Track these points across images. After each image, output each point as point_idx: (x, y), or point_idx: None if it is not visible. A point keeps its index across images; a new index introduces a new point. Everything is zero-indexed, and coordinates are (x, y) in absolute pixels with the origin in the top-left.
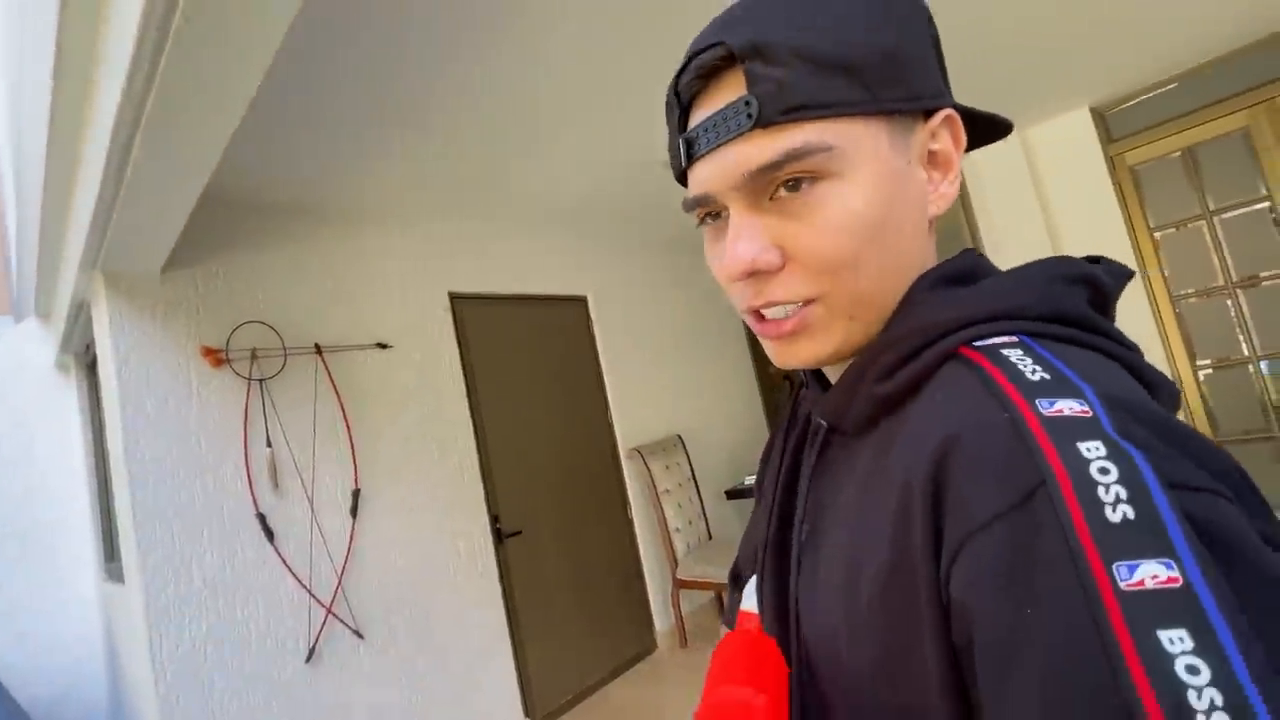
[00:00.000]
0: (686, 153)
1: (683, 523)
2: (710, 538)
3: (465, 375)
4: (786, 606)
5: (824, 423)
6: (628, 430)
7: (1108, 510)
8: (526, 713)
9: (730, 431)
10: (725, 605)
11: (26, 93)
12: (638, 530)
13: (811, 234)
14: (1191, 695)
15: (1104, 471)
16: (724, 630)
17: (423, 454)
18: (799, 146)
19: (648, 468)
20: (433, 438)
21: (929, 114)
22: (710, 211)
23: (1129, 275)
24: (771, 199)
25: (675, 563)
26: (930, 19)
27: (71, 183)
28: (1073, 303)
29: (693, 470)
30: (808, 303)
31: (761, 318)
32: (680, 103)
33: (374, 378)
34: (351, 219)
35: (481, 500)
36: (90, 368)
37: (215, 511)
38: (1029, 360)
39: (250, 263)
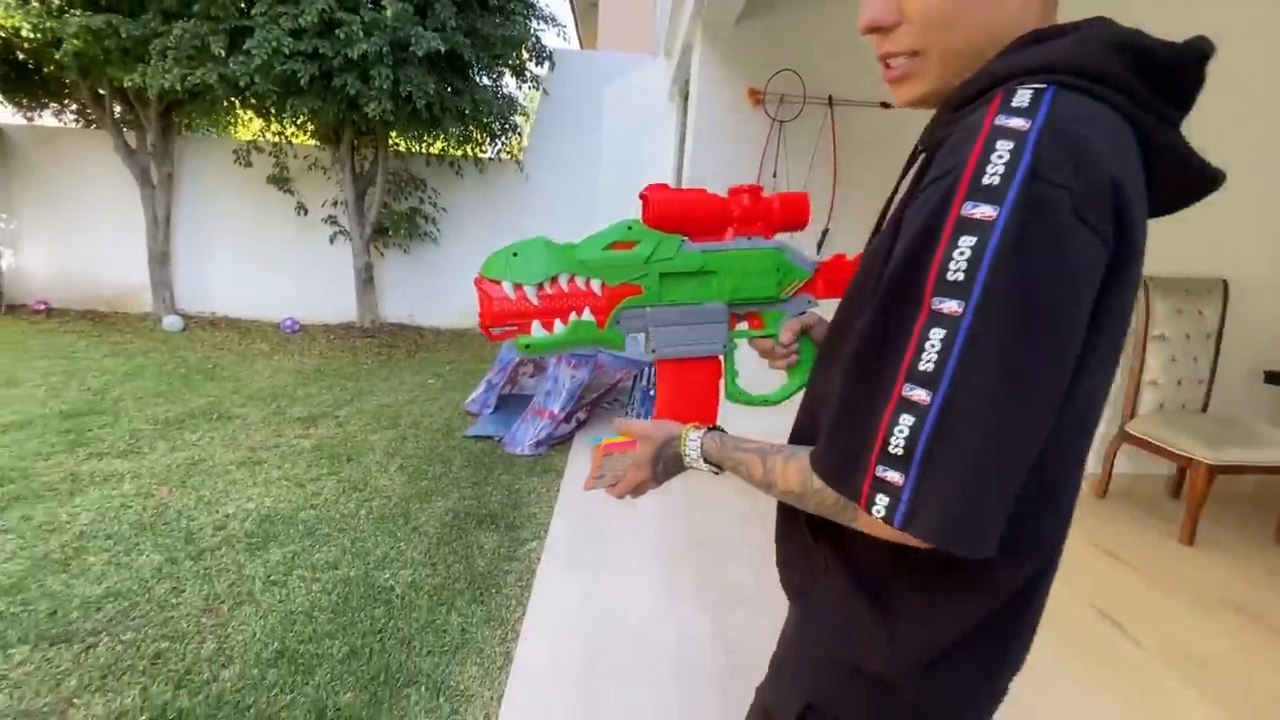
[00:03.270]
0: None
1: (1168, 380)
2: (1204, 410)
3: None
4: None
5: (921, 149)
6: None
7: (985, 178)
8: None
9: None
10: None
11: None
12: None
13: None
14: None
15: (999, 157)
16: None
17: None
18: None
19: (1147, 303)
20: None
21: None
22: None
23: (1200, 55)
24: None
25: (1132, 413)
26: None
27: None
28: (1100, 64)
29: (1221, 329)
30: (914, 54)
31: (886, 66)
32: None
33: (871, 135)
34: None
35: None
36: (684, 98)
37: None
38: (1027, 97)
39: (795, 17)
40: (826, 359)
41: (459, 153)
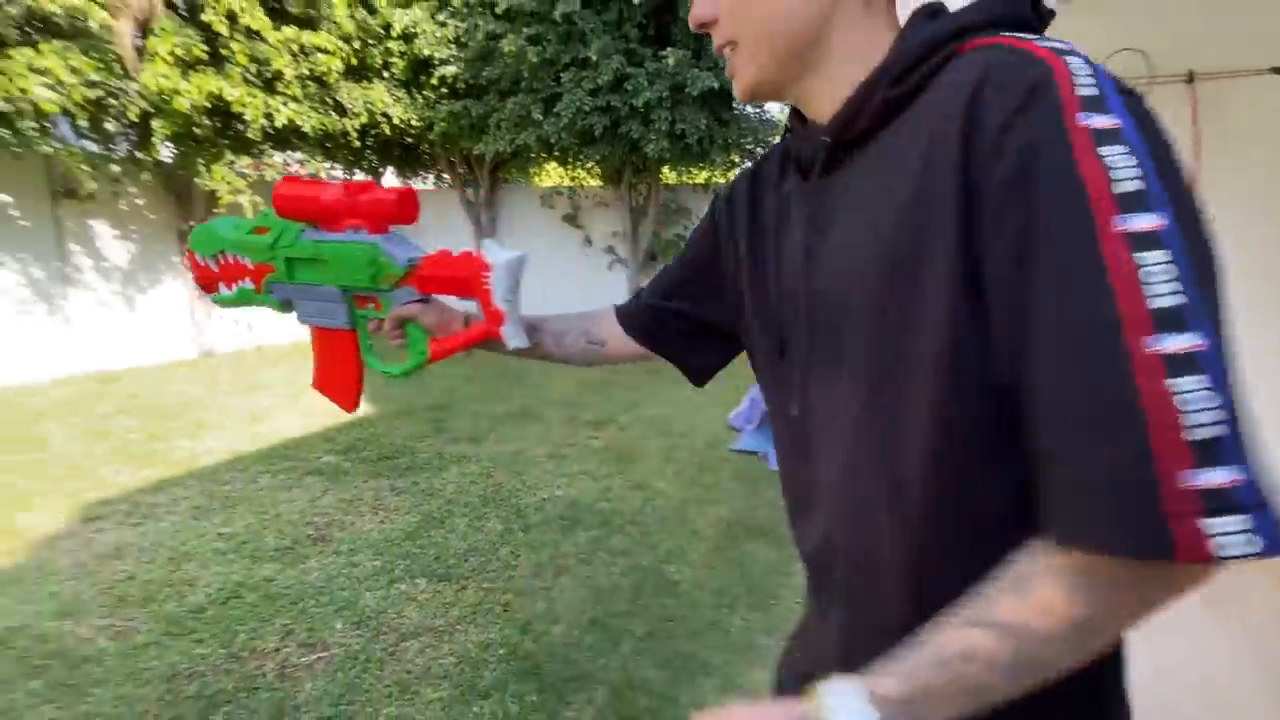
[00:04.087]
0: None
1: None
2: None
3: None
4: (796, 287)
5: (826, 140)
6: None
7: (1084, 89)
8: None
9: None
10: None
11: None
12: None
13: None
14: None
15: (1082, 71)
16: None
17: None
18: None
19: None
20: None
21: None
22: None
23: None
24: None
25: None
26: None
27: None
28: (1024, 11)
29: None
30: (732, 46)
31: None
32: None
33: (1254, 109)
34: None
35: None
36: None
37: None
38: (1015, 39)
39: None
40: (873, 390)
41: (724, 179)
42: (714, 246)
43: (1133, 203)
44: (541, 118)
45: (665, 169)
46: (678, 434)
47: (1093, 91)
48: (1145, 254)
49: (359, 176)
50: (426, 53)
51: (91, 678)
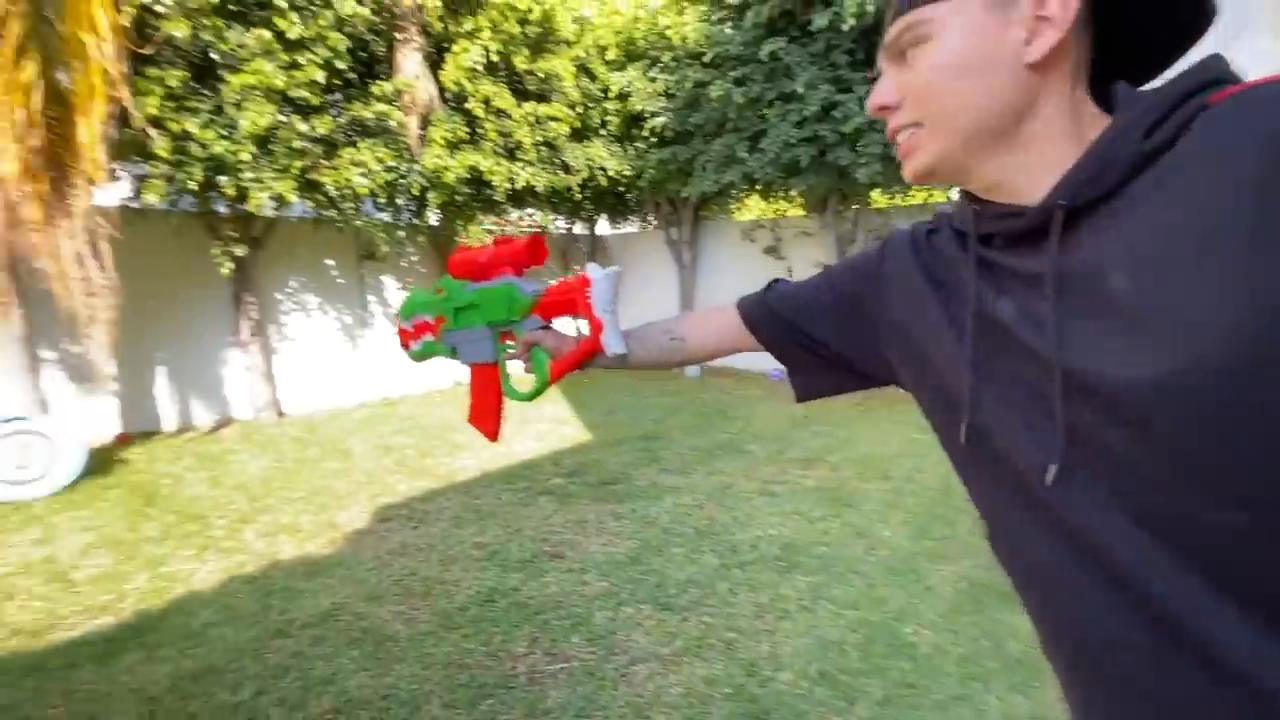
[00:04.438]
0: None
1: None
2: None
3: None
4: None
5: (1061, 204)
6: None
7: None
8: None
9: None
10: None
11: None
12: None
13: (912, 77)
14: None
15: None
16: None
17: None
18: (909, 21)
19: None
20: None
21: None
22: None
23: None
24: (903, 61)
25: None
26: None
27: None
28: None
29: None
30: (917, 126)
31: (894, 142)
32: None
33: None
34: None
35: None
36: None
37: None
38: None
39: None
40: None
41: (944, 197)
42: (875, 290)
43: None
44: (747, 155)
45: (875, 192)
46: (900, 477)
47: None
48: None
49: (578, 226)
50: (639, 108)
51: (392, 655)
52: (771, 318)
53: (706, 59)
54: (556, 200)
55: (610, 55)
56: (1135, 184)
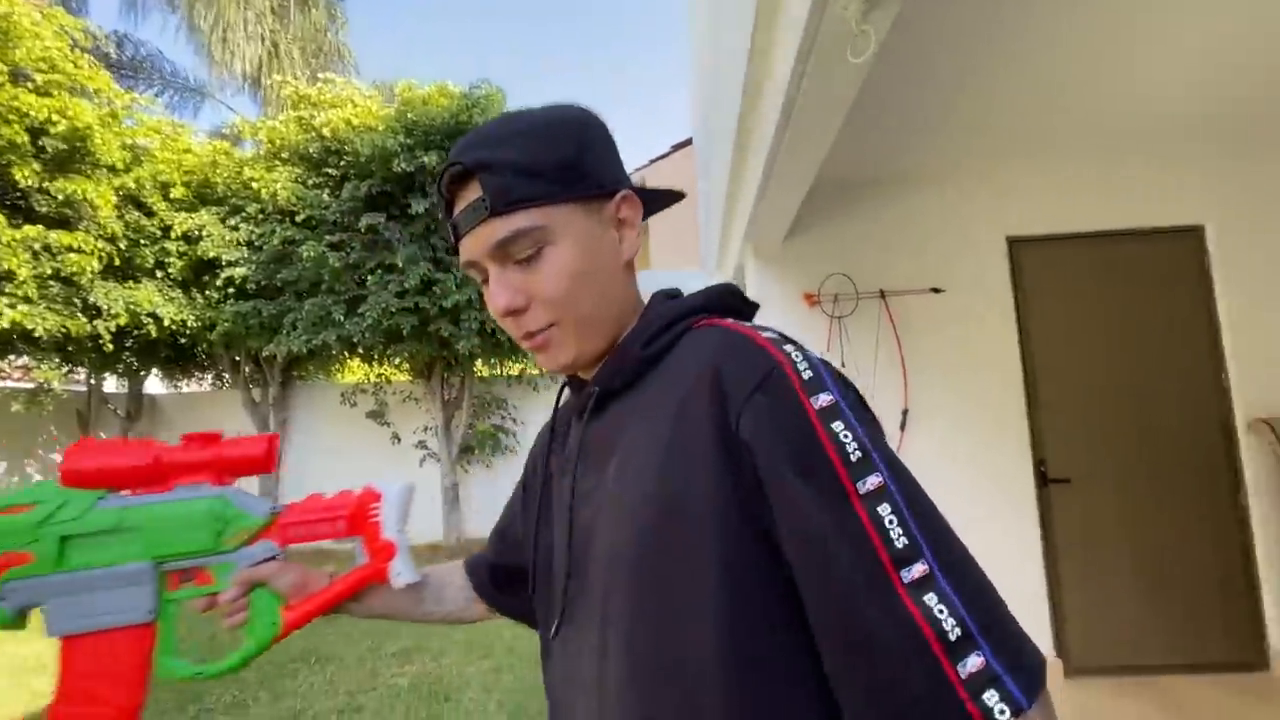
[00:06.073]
0: (454, 233)
1: None
2: None
3: (1018, 318)
4: (569, 535)
5: (595, 390)
6: (1253, 396)
7: (804, 373)
8: (1059, 654)
9: None
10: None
11: (715, 124)
12: (1255, 524)
13: (542, 282)
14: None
15: (798, 357)
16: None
17: (968, 388)
18: (521, 227)
19: None
20: (978, 375)
21: (613, 194)
22: (479, 270)
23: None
24: (515, 261)
25: None
26: (604, 127)
27: (739, 185)
28: (738, 303)
29: None
30: (551, 326)
31: (527, 337)
32: (444, 198)
33: (927, 318)
34: (911, 181)
35: (1026, 441)
36: None
37: None
38: (740, 324)
39: (836, 227)
40: (664, 616)
41: (538, 371)
42: (523, 495)
43: (858, 469)
44: (343, 318)
45: (478, 363)
46: (501, 653)
47: (810, 373)
48: (877, 508)
49: (111, 383)
50: (213, 254)
51: None
52: (482, 568)
53: (299, 218)
54: (74, 349)
55: (176, 194)
56: (651, 374)
